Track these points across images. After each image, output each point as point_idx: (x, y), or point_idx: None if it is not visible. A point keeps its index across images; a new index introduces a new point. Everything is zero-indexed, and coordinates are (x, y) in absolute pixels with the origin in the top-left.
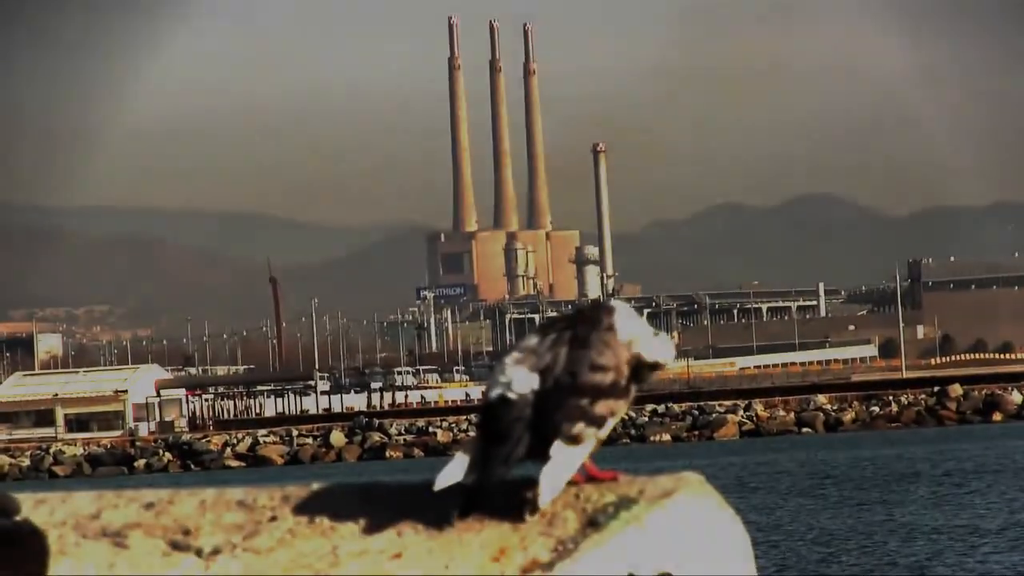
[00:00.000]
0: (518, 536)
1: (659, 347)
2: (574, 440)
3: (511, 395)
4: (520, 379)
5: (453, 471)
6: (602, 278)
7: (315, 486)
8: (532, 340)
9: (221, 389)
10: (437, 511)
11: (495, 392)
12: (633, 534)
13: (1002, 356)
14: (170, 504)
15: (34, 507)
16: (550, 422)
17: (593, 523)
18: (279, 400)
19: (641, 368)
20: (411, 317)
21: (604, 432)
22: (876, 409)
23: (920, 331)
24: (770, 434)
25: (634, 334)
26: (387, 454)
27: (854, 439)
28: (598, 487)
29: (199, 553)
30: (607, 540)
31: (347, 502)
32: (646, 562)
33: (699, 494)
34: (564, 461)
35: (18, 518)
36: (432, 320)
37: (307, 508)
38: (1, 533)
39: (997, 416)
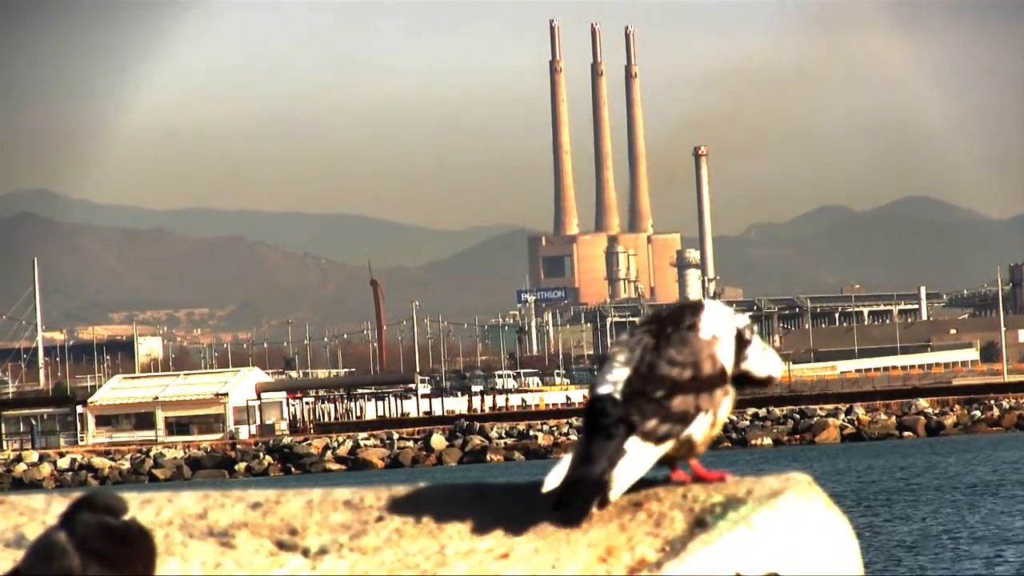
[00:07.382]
0: (625, 536)
1: (756, 358)
2: (649, 436)
3: (614, 391)
4: (622, 375)
5: (561, 471)
6: (703, 281)
7: (422, 486)
8: (625, 337)
9: (322, 392)
10: (544, 511)
11: (599, 388)
12: (741, 534)
13: None
14: (277, 504)
15: (140, 507)
16: (627, 418)
17: (701, 523)
18: (380, 403)
19: (741, 378)
20: (512, 320)
21: (692, 429)
22: (978, 413)
23: (1022, 335)
24: (871, 438)
25: (719, 334)
26: (488, 457)
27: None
28: (705, 487)
29: (305, 553)
30: (715, 540)
31: (454, 502)
32: (754, 562)
33: (807, 494)
34: (638, 457)
35: (126, 517)
36: (533, 323)
37: (414, 508)
38: (109, 532)
39: None
